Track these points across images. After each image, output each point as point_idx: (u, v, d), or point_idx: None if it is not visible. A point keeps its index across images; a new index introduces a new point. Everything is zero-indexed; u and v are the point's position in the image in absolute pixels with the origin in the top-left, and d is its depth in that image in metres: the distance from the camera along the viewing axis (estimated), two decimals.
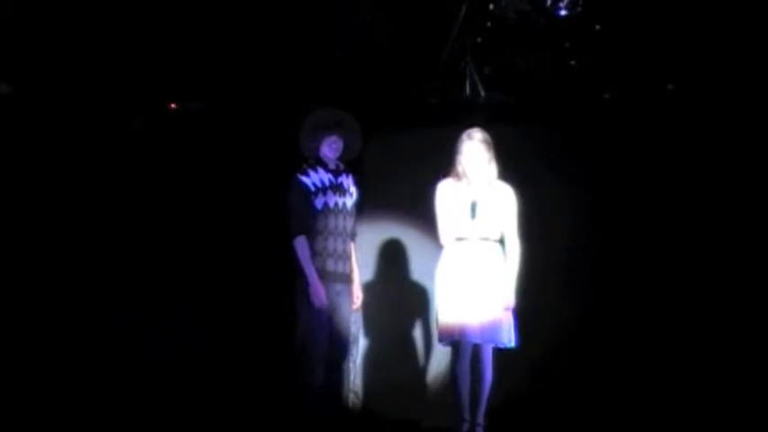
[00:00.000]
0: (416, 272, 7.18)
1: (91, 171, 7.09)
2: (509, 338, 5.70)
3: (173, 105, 7.20)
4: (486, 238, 5.71)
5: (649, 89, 6.88)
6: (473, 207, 5.67)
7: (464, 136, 5.76)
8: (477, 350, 5.68)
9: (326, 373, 5.68)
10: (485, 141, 5.74)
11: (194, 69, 6.95)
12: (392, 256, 7.19)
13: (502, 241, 5.80)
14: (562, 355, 6.92)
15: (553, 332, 6.91)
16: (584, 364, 6.88)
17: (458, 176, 5.76)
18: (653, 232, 6.93)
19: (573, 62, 6.62)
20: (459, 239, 5.71)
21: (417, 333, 7.23)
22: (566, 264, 7.01)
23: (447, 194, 5.76)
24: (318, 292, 5.60)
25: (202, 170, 7.24)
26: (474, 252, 5.69)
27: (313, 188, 5.71)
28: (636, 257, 6.93)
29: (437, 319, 5.80)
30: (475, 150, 5.72)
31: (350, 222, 5.84)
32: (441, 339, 5.81)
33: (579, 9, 6.27)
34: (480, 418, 5.66)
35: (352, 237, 5.91)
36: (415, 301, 7.18)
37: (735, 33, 6.33)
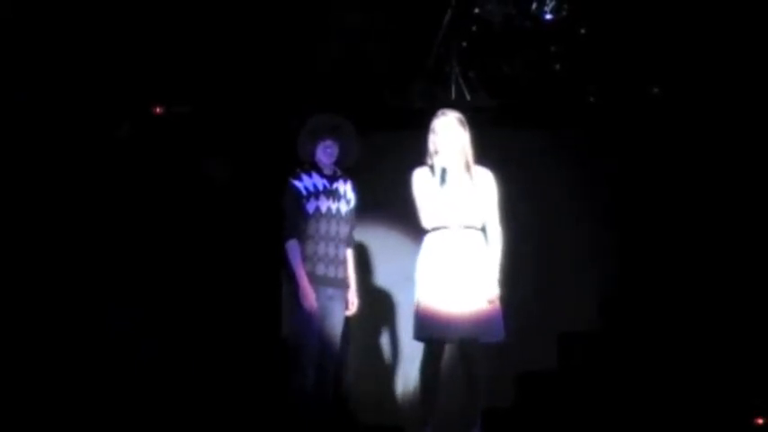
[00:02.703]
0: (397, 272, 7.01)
1: (88, 173, 7.00)
2: (497, 333, 5.33)
3: (158, 109, 7.21)
4: (468, 226, 5.35)
5: (634, 93, 6.78)
6: (443, 173, 5.31)
7: (438, 113, 5.45)
8: (465, 347, 5.32)
9: (318, 376, 5.58)
10: (459, 119, 5.41)
11: (181, 73, 6.92)
12: (379, 258, 7.14)
13: (485, 229, 5.44)
14: (552, 354, 6.92)
15: (540, 334, 6.86)
16: (575, 363, 6.87)
17: (430, 156, 5.42)
18: (639, 234, 6.86)
19: (558, 66, 6.55)
20: (441, 228, 5.35)
21: (393, 335, 7.16)
22: (554, 266, 6.97)
23: (422, 178, 5.41)
24: (307, 295, 5.50)
25: (196, 173, 7.24)
26: (456, 241, 5.33)
27: (305, 192, 5.62)
28: (624, 258, 6.88)
29: (416, 313, 5.37)
30: (448, 126, 5.38)
31: (344, 228, 5.71)
32: (418, 336, 5.37)
33: (564, 13, 6.21)
34: (477, 419, 5.37)
35: (349, 243, 5.78)
36: (395, 303, 7.12)
37: (720, 37, 6.26)
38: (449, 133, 5.38)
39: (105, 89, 6.96)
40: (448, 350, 5.47)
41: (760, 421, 6.23)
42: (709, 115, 6.65)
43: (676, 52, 6.43)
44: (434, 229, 5.37)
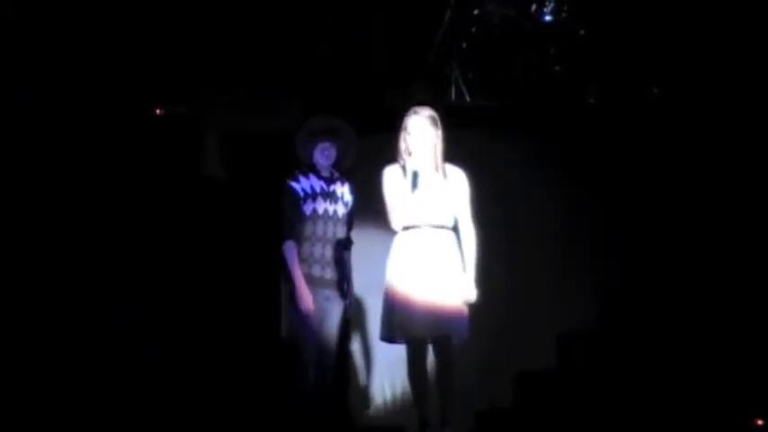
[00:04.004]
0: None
1: (87, 173, 6.99)
2: (462, 331, 5.20)
3: (158, 110, 7.18)
4: (438, 226, 5.23)
5: (634, 93, 6.75)
6: (414, 177, 5.17)
7: (410, 111, 5.31)
8: (439, 347, 5.19)
9: (317, 376, 5.52)
10: (431, 118, 5.27)
11: (180, 73, 6.88)
12: (379, 258, 7.04)
13: (455, 229, 5.31)
14: (549, 355, 6.88)
15: (538, 334, 6.83)
16: (572, 364, 6.83)
17: (402, 155, 5.30)
18: (639, 233, 6.83)
19: (558, 67, 6.51)
20: (410, 227, 5.24)
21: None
22: (552, 266, 6.93)
23: (394, 178, 5.29)
24: (304, 297, 5.44)
25: (195, 173, 7.23)
26: (426, 241, 5.21)
27: (302, 194, 5.57)
28: (623, 257, 6.85)
29: (385, 314, 5.24)
30: (420, 125, 5.25)
31: (341, 230, 5.65)
32: (387, 337, 5.27)
33: (564, 14, 6.16)
34: (450, 417, 5.20)
35: (347, 245, 5.72)
36: None
37: (719, 37, 6.22)
38: (420, 132, 5.27)
39: (105, 89, 6.92)
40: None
41: (760, 422, 6.18)
42: (710, 116, 6.62)
43: (676, 53, 6.39)
44: (405, 229, 5.28)
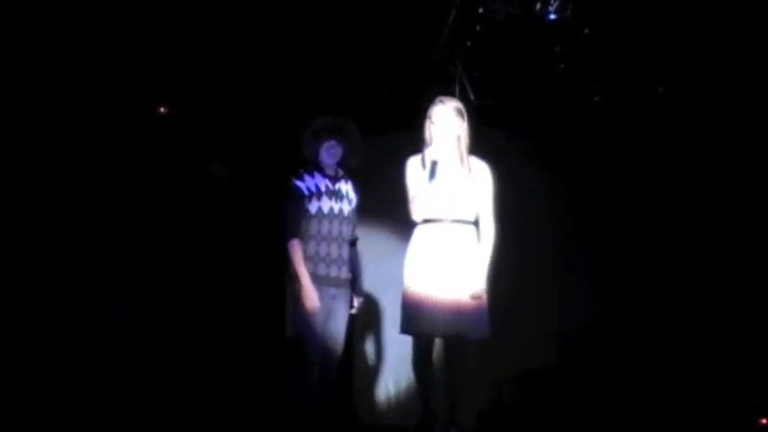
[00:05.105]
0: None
1: (88, 173, 6.94)
2: (481, 329, 5.08)
3: (162, 109, 7.13)
4: (459, 220, 5.11)
5: (639, 92, 6.72)
6: (433, 166, 5.03)
7: (436, 101, 5.20)
8: (451, 343, 5.09)
9: (321, 375, 5.48)
10: (456, 108, 5.16)
11: (182, 73, 6.83)
12: (381, 258, 6.96)
13: (477, 224, 5.18)
14: (551, 354, 6.85)
15: (539, 332, 6.83)
16: (573, 362, 6.81)
17: (425, 144, 5.17)
18: (641, 232, 6.83)
19: (562, 66, 6.49)
20: (431, 221, 5.12)
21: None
22: (553, 264, 6.92)
23: (415, 168, 5.18)
24: (309, 295, 5.40)
25: (198, 172, 7.19)
26: (446, 235, 5.09)
27: (307, 192, 5.52)
28: (629, 259, 6.84)
29: (403, 307, 5.12)
30: (445, 115, 5.12)
31: (347, 228, 5.60)
32: (405, 329, 5.15)
33: (568, 13, 6.13)
34: (456, 417, 5.12)
35: (352, 242, 5.68)
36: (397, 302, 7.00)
37: (724, 37, 6.20)
38: (444, 121, 5.15)
39: (106, 89, 6.87)
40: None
41: (764, 421, 6.14)
42: (714, 115, 6.61)
43: (681, 52, 6.37)
44: (425, 222, 5.15)
